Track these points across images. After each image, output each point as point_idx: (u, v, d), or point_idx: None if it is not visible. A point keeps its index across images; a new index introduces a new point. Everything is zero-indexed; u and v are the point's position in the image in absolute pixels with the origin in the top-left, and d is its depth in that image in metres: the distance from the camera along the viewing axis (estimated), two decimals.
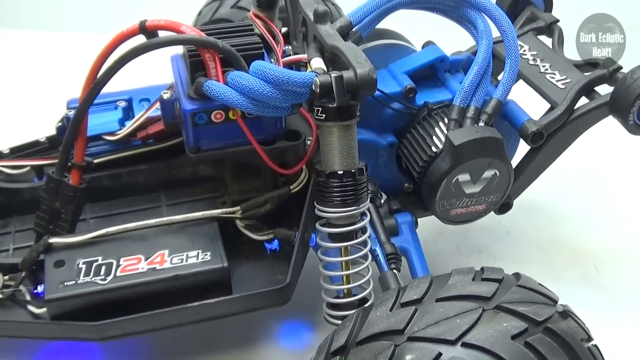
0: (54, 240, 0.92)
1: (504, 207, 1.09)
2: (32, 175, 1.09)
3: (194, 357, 1.07)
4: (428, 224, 1.11)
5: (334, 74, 0.81)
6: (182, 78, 0.93)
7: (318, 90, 0.81)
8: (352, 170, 0.84)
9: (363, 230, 0.89)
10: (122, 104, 1.12)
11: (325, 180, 0.85)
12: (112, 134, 1.08)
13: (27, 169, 1.09)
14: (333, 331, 0.75)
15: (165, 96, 0.96)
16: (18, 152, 1.12)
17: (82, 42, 1.93)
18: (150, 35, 0.88)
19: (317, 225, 0.89)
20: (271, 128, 0.94)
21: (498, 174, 0.99)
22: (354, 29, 1.02)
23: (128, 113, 1.12)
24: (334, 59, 0.89)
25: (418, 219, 1.05)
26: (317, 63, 0.87)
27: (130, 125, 1.08)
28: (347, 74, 0.82)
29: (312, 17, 0.95)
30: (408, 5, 1.04)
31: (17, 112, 1.74)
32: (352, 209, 0.85)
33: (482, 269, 0.77)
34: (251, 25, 0.97)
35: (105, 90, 1.15)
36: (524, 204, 1.21)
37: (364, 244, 0.89)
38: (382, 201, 1.04)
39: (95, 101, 1.11)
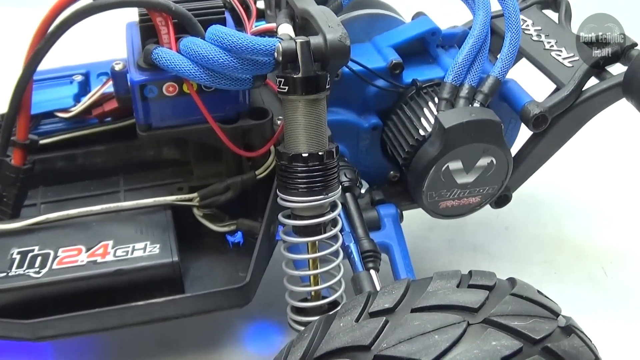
0: None
1: (501, 200, 1.00)
2: None
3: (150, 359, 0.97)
4: (417, 218, 1.02)
5: (299, 39, 0.71)
6: (135, 47, 0.83)
7: (281, 58, 0.70)
8: (320, 153, 0.73)
9: (333, 222, 0.78)
10: (79, 78, 1.02)
11: (287, 164, 0.73)
12: (65, 110, 0.98)
13: None
14: (290, 342, 0.64)
15: (117, 67, 0.85)
16: None
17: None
18: None
19: (280, 217, 0.78)
20: (232, 104, 0.83)
21: (495, 162, 0.89)
22: None
23: (85, 88, 1.01)
24: (304, 26, 0.78)
25: (405, 212, 0.96)
26: (285, 29, 0.77)
27: (84, 102, 0.98)
28: (315, 40, 0.72)
29: None
30: None
31: None
32: (320, 198, 0.74)
33: (469, 272, 0.66)
34: None
35: (63, 63, 1.05)
36: (525, 197, 1.13)
37: (334, 238, 0.78)
38: (363, 191, 0.94)
39: (50, 75, 1.03)
